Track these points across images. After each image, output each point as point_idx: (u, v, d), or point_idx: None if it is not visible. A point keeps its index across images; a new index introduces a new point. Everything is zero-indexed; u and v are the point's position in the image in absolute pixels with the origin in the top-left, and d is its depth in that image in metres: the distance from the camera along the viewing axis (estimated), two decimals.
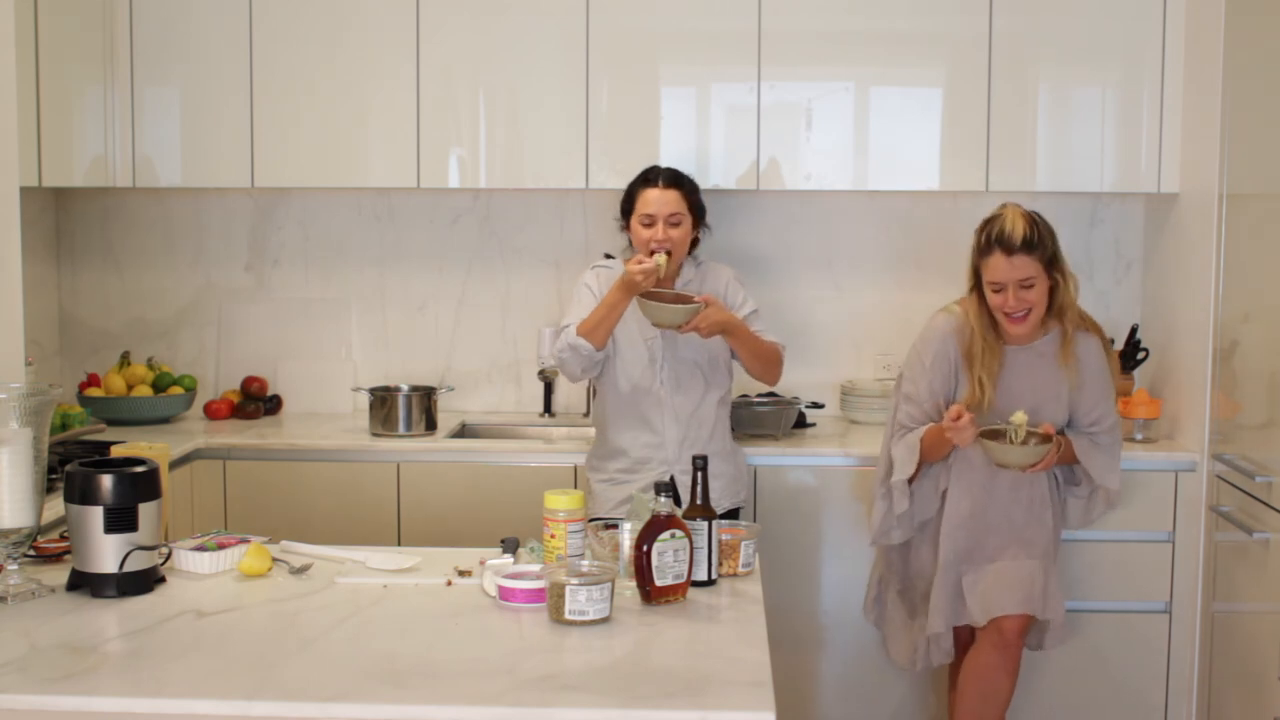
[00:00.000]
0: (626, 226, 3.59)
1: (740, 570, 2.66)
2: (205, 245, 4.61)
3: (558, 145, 4.16)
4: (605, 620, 2.33)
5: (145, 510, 2.47)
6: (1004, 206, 3.36)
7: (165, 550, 2.59)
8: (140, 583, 2.48)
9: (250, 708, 1.99)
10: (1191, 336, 3.90)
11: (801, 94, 4.14)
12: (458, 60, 4.16)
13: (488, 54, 4.15)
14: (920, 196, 4.41)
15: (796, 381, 4.31)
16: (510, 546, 2.68)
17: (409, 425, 4.15)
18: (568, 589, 2.31)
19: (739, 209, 4.41)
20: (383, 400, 4.16)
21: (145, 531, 2.47)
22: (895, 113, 4.16)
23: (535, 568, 2.52)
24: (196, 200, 4.58)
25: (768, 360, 3.58)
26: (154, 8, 4.17)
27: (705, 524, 2.56)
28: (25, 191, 3.44)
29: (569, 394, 4.53)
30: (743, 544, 2.67)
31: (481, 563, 2.66)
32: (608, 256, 3.83)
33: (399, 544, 3.92)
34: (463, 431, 4.38)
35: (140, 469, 2.49)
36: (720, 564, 2.63)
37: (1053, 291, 3.34)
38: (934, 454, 3.40)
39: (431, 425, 4.20)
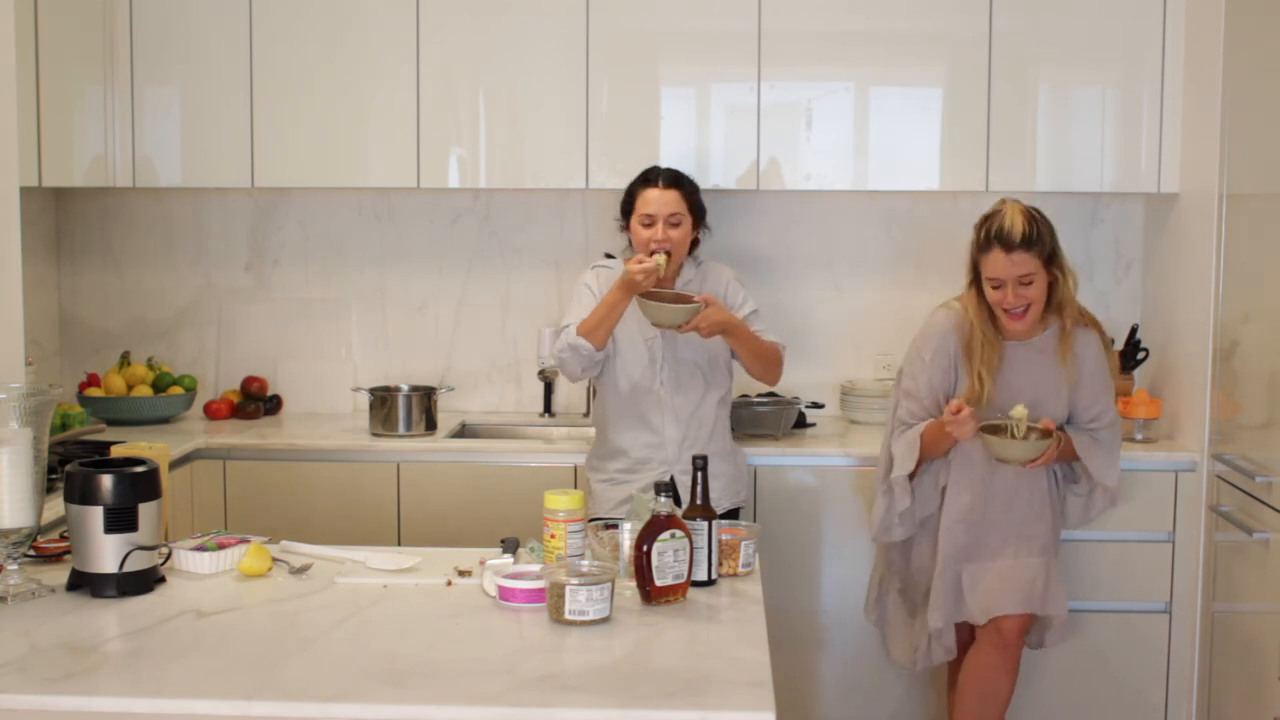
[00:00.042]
0: (626, 227, 3.59)
1: (740, 570, 2.66)
2: (205, 245, 4.61)
3: (558, 145, 4.16)
4: (605, 620, 2.33)
5: (145, 510, 2.47)
6: (1003, 202, 3.35)
7: (165, 550, 2.59)
8: (140, 583, 2.48)
9: (250, 708, 1.99)
10: (1191, 336, 3.90)
11: (801, 94, 4.14)
12: (458, 60, 4.16)
13: (488, 54, 4.15)
14: (920, 196, 4.41)
15: (796, 381, 4.31)
16: (510, 546, 2.68)
17: (409, 425, 4.15)
18: (568, 589, 2.31)
19: (739, 209, 4.41)
20: (383, 400, 4.16)
21: (145, 531, 2.47)
22: (895, 113, 4.16)
23: (535, 568, 2.52)
24: (196, 200, 4.58)
25: (768, 360, 3.58)
26: (154, 8, 4.17)
27: (705, 524, 2.56)
28: (25, 191, 3.44)
29: (569, 394, 4.53)
30: (743, 544, 2.67)
31: (481, 563, 2.66)
32: (608, 256, 3.83)
33: (399, 544, 3.92)
34: (463, 431, 4.38)
35: (140, 469, 2.49)
36: (720, 564, 2.63)
37: (1052, 287, 3.34)
38: (934, 450, 3.40)
39: (431, 425, 4.20)
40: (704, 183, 3.79)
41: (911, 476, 3.42)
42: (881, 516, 3.48)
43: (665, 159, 4.04)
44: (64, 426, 3.71)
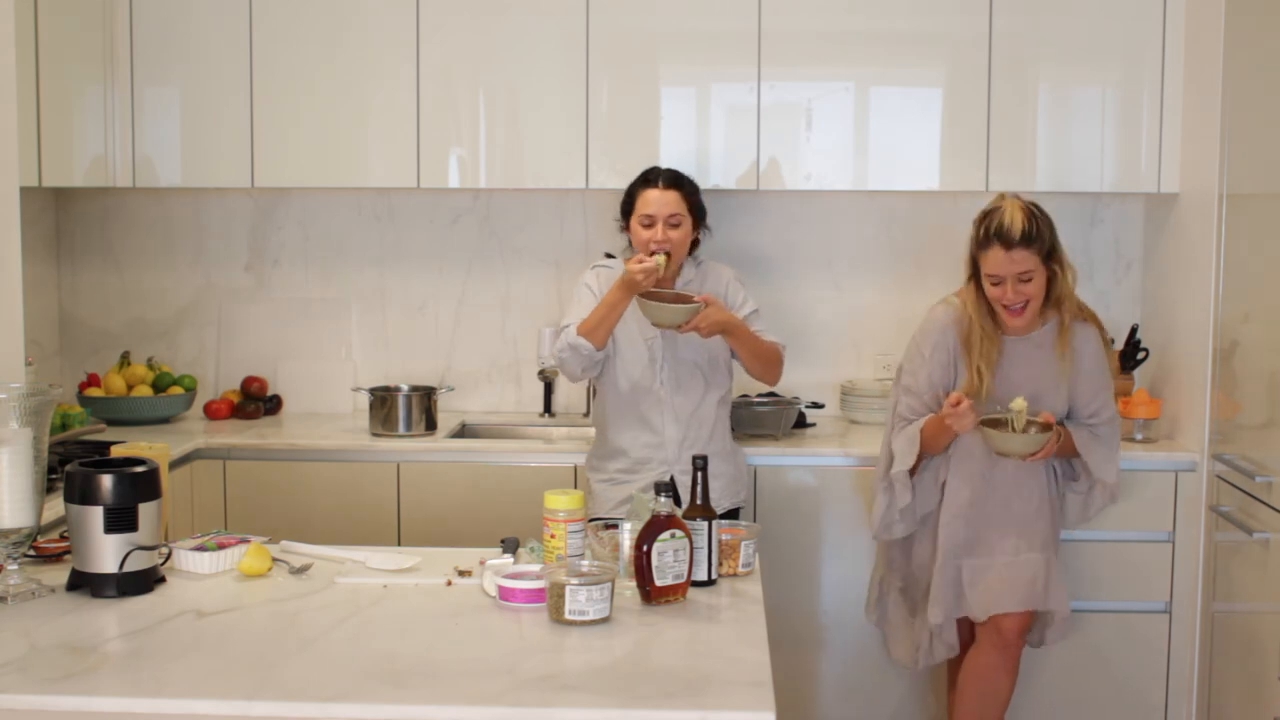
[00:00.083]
0: (626, 227, 3.59)
1: (740, 570, 2.66)
2: (205, 245, 4.61)
3: (558, 145, 4.16)
4: (605, 620, 2.33)
5: (145, 510, 2.47)
6: (1002, 198, 3.35)
7: (165, 550, 2.59)
8: (140, 583, 2.48)
9: (250, 708, 1.99)
10: (1191, 336, 3.90)
11: (801, 94, 4.14)
12: (458, 60, 4.16)
13: (488, 54, 4.15)
14: (920, 196, 4.41)
15: (796, 381, 4.31)
16: (510, 546, 2.68)
17: (409, 425, 4.15)
18: (568, 589, 2.31)
19: (739, 209, 4.41)
20: (383, 400, 4.16)
21: (145, 531, 2.47)
22: (895, 113, 4.16)
23: (535, 568, 2.52)
24: (196, 200, 4.58)
25: (768, 360, 3.58)
26: (154, 8, 4.17)
27: (705, 524, 2.56)
28: (25, 191, 3.43)
29: (569, 394, 4.53)
30: (743, 544, 2.67)
31: (481, 563, 2.66)
32: (608, 256, 3.83)
33: (399, 544, 3.92)
34: (463, 431, 4.38)
35: (140, 469, 2.49)
36: (720, 564, 2.63)
37: (1050, 282, 3.34)
38: (934, 445, 3.39)
39: (431, 425, 4.20)
40: (704, 183, 3.79)
41: (912, 473, 3.42)
42: (882, 514, 3.47)
43: (665, 159, 4.04)
44: (64, 426, 3.71)
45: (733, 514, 3.61)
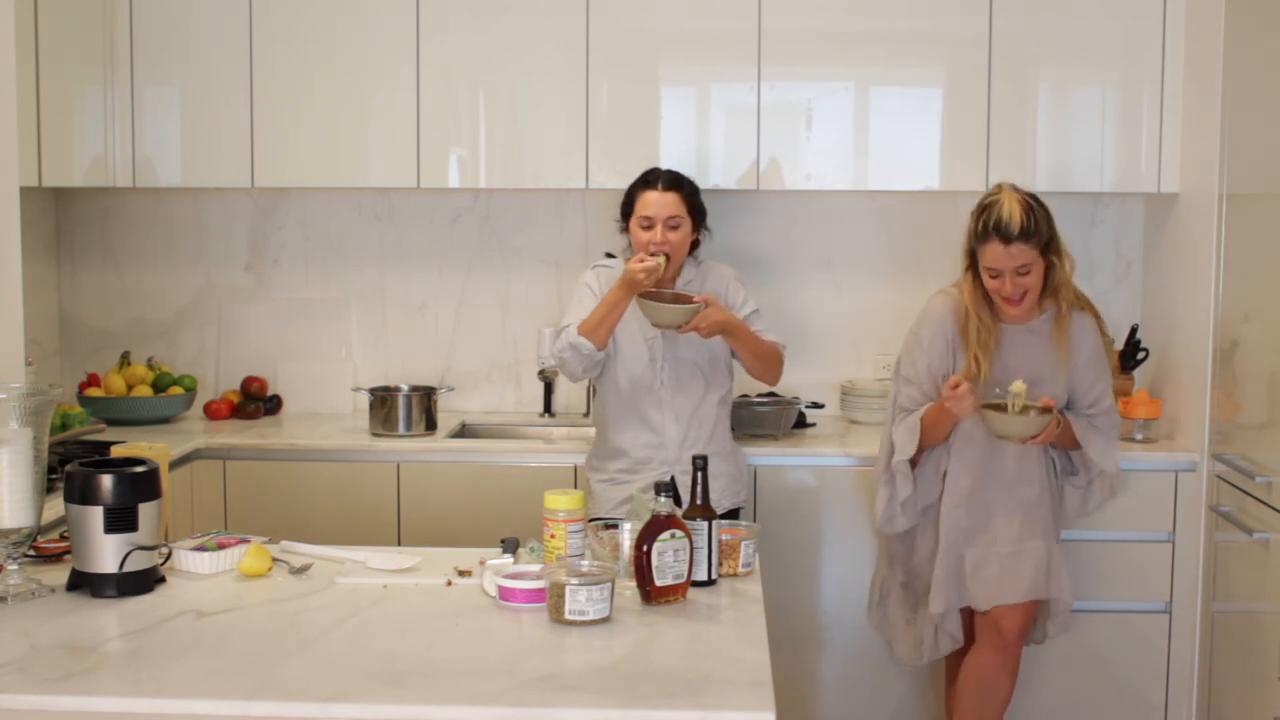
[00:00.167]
0: (626, 228, 3.59)
1: (740, 570, 2.66)
2: (205, 245, 4.61)
3: (558, 145, 4.16)
4: (605, 620, 2.33)
5: (145, 510, 2.47)
6: (999, 189, 3.35)
7: (165, 550, 2.59)
8: (140, 583, 2.48)
9: (250, 708, 1.99)
10: (1191, 336, 3.90)
11: (801, 94, 4.14)
12: (458, 60, 4.16)
13: (488, 54, 4.15)
14: (920, 196, 4.41)
15: (796, 381, 4.31)
16: (510, 546, 2.68)
17: (409, 425, 4.15)
18: (568, 589, 2.31)
19: (739, 209, 4.41)
20: (383, 400, 4.16)
21: (145, 531, 2.47)
22: (895, 113, 4.16)
23: (535, 568, 2.52)
24: (196, 200, 4.58)
25: (768, 360, 3.58)
26: (154, 8, 4.17)
27: (705, 524, 2.56)
28: (25, 191, 3.44)
29: (569, 394, 4.53)
30: (743, 544, 2.67)
31: (481, 563, 2.66)
32: (609, 256, 3.83)
33: (399, 544, 3.92)
34: (463, 431, 4.38)
35: (140, 469, 2.49)
36: (720, 564, 2.63)
37: (1048, 271, 3.34)
38: (935, 433, 3.39)
39: (431, 425, 4.20)
40: (704, 183, 3.79)
41: (913, 465, 3.42)
42: (884, 507, 3.47)
43: (665, 159, 4.04)
44: (64, 426, 3.71)
45: (733, 514, 3.61)
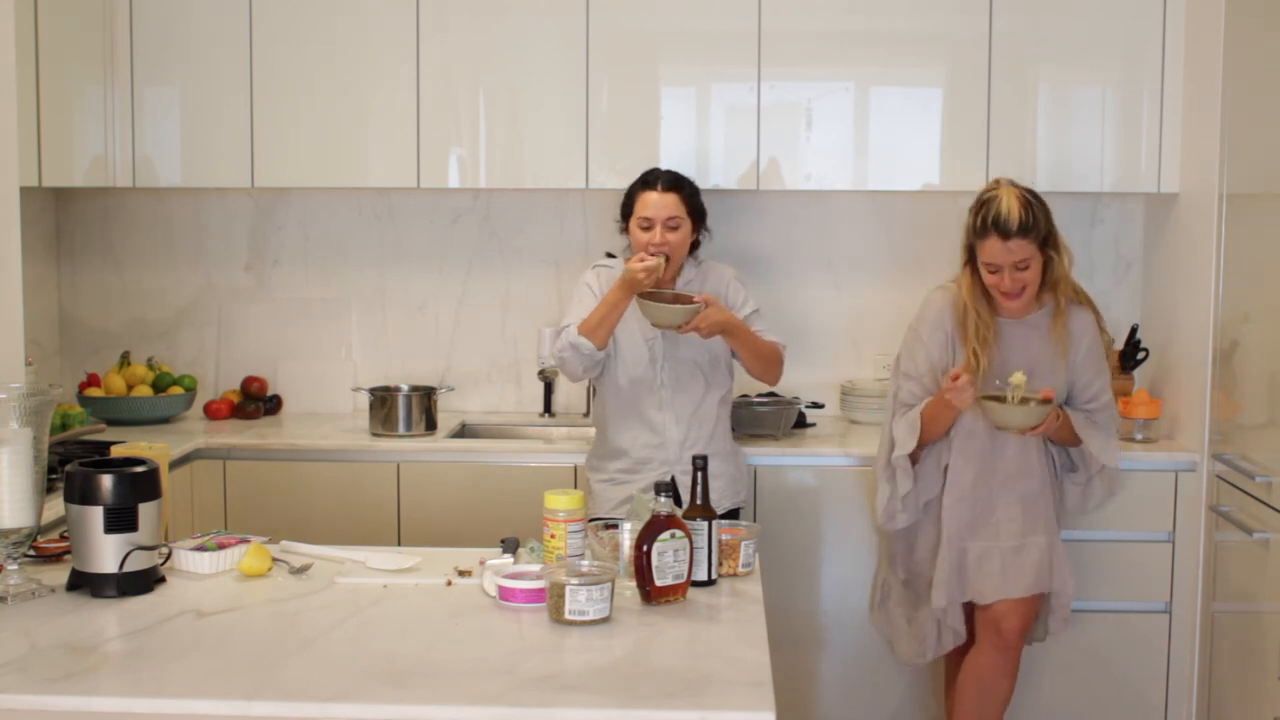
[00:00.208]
0: (626, 229, 3.59)
1: (740, 570, 2.66)
2: (205, 245, 4.61)
3: (558, 145, 4.16)
4: (605, 620, 2.33)
5: (145, 510, 2.47)
6: (997, 184, 3.35)
7: (165, 550, 2.59)
8: (140, 583, 2.48)
9: (250, 708, 1.99)
10: (1191, 336, 3.90)
11: (801, 94, 4.14)
12: (458, 60, 4.16)
13: (488, 54, 4.15)
14: (920, 196, 4.41)
15: (796, 381, 4.31)
16: (510, 546, 2.68)
17: (409, 425, 4.15)
18: (568, 589, 2.31)
19: (739, 209, 4.41)
20: (383, 400, 4.16)
21: (145, 531, 2.47)
22: (895, 113, 4.16)
23: (535, 568, 2.52)
24: (196, 200, 4.58)
25: (768, 360, 3.58)
26: (154, 8, 4.17)
27: (705, 524, 2.56)
28: (25, 191, 3.43)
29: (569, 394, 4.53)
30: (743, 544, 2.67)
31: (481, 563, 2.66)
32: (609, 256, 3.83)
33: (399, 544, 3.92)
34: (463, 431, 4.38)
35: (140, 469, 2.49)
36: (720, 564, 2.63)
37: (1046, 265, 3.35)
38: (935, 427, 3.39)
39: (431, 425, 4.20)
40: (704, 183, 3.79)
41: (914, 461, 3.42)
42: (885, 503, 3.47)
43: (665, 159, 4.04)
44: (64, 426, 3.71)
45: (733, 514, 3.61)
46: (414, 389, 4.22)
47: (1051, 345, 3.39)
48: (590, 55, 4.12)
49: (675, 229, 3.50)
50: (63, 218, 4.60)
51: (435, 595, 2.52)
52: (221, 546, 2.66)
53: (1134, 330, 4.24)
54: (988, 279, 3.35)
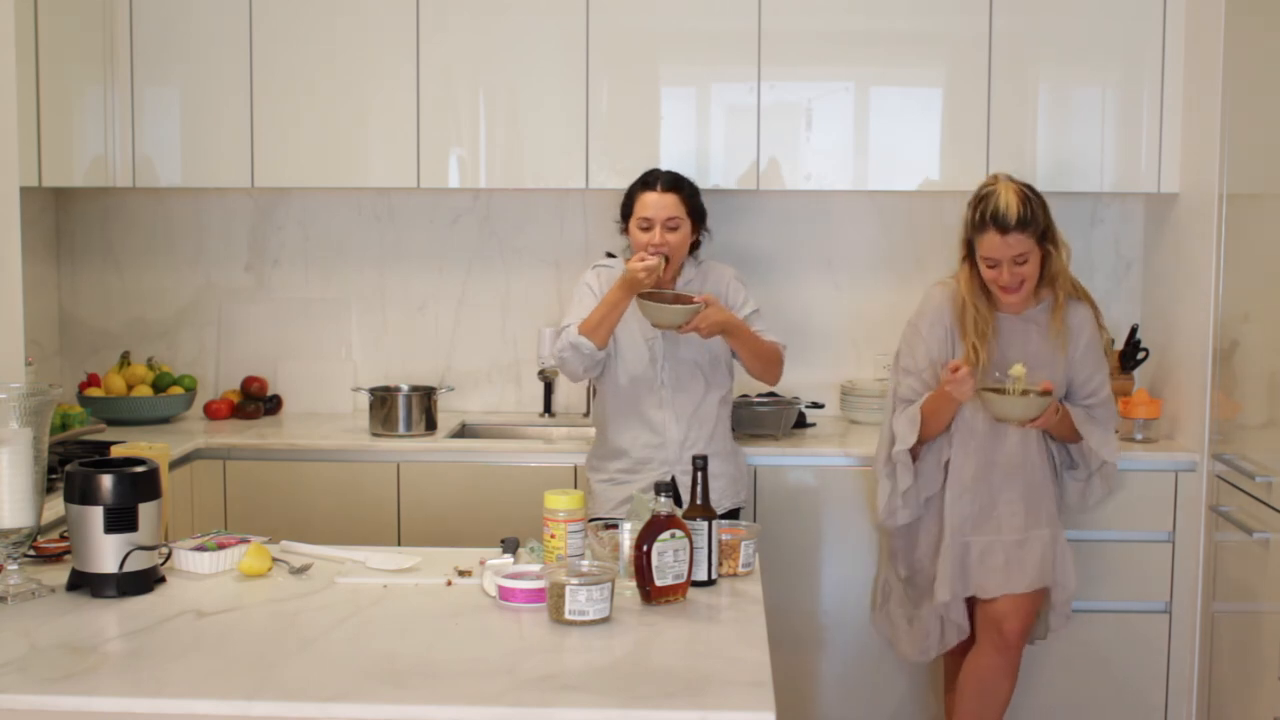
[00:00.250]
0: (626, 229, 3.59)
1: (740, 570, 2.66)
2: (205, 245, 4.61)
3: (558, 145, 4.16)
4: (605, 620, 2.33)
5: (145, 510, 2.47)
6: (995, 180, 3.36)
7: (165, 550, 2.59)
8: (140, 583, 2.48)
9: (250, 708, 1.99)
10: (1191, 336, 3.90)
11: (801, 94, 4.14)
12: (458, 60, 4.16)
13: (488, 54, 4.15)
14: (920, 196, 4.41)
15: (796, 381, 4.31)
16: (510, 546, 2.68)
17: (409, 425, 4.15)
18: (568, 589, 2.31)
19: (739, 209, 4.41)
20: (383, 400, 4.16)
21: (145, 531, 2.47)
22: (895, 112, 4.16)
23: (535, 568, 2.52)
24: (196, 200, 4.58)
25: (768, 360, 3.58)
26: (154, 8, 4.17)
27: (705, 524, 2.56)
28: (25, 191, 3.43)
29: (569, 394, 4.53)
30: (743, 544, 2.67)
31: (481, 563, 2.66)
32: (609, 255, 3.83)
33: (399, 544, 3.92)
34: (463, 431, 4.38)
35: (140, 469, 2.49)
36: (720, 564, 2.63)
37: (1045, 260, 3.35)
38: (936, 422, 3.39)
39: (431, 425, 4.20)
40: (704, 183, 3.79)
41: (914, 457, 3.42)
42: (885, 500, 3.47)
43: (665, 159, 4.04)
44: (64, 426, 3.71)
45: (733, 514, 3.61)
46: (414, 389, 4.22)
47: (1050, 340, 3.40)
48: (590, 55, 4.12)
49: (675, 229, 3.50)
50: (63, 218, 4.60)
51: (435, 595, 2.52)
52: (221, 546, 2.66)
53: (1134, 330, 4.24)
54: (986, 274, 3.35)
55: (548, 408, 4.50)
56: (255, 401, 4.46)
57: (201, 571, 2.62)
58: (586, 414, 4.46)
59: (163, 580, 2.55)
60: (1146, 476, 3.86)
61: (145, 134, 4.20)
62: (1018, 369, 3.26)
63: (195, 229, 4.60)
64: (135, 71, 4.18)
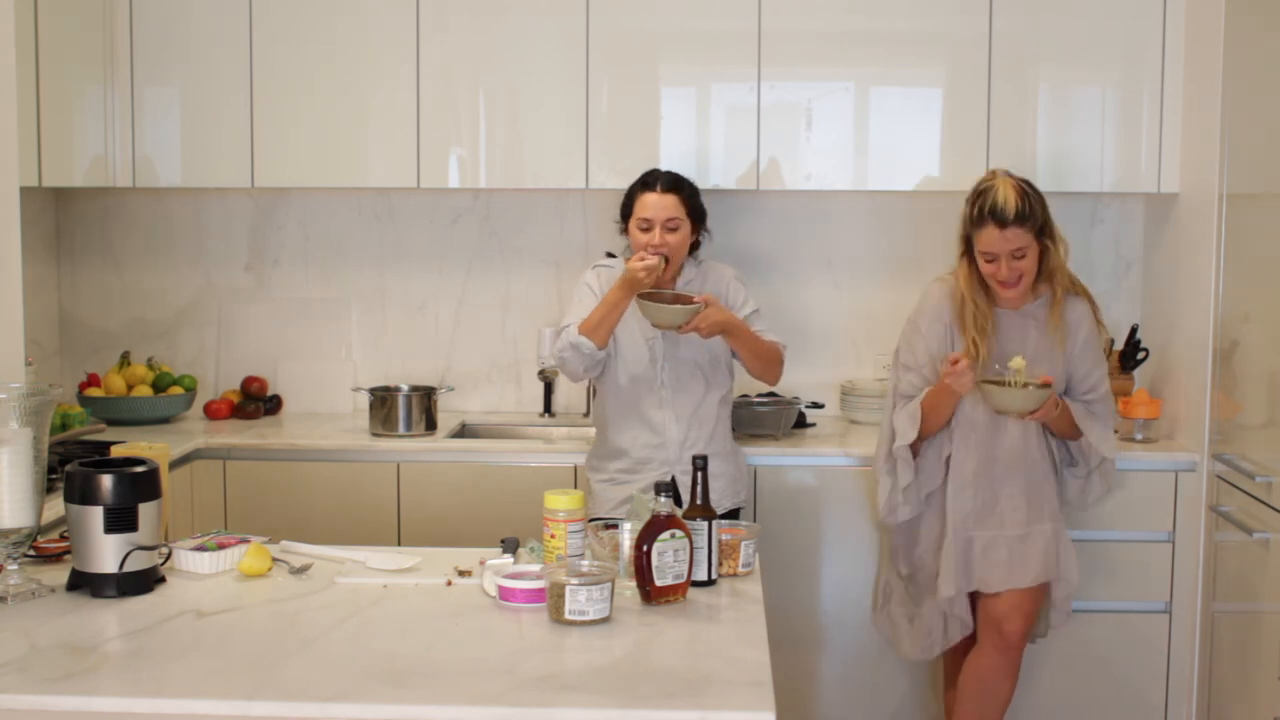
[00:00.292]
0: (626, 229, 3.59)
1: (740, 570, 2.66)
2: (205, 245, 4.61)
3: (558, 145, 4.16)
4: (605, 620, 2.33)
5: (145, 510, 2.47)
6: (993, 175, 3.37)
7: (165, 550, 2.59)
8: (140, 583, 2.48)
9: (250, 708, 1.99)
10: (1191, 336, 3.90)
11: (801, 94, 4.14)
12: (458, 60, 4.16)
13: (488, 54, 4.15)
14: (920, 196, 4.40)
15: (796, 381, 4.31)
16: (510, 546, 2.68)
17: (409, 425, 4.15)
18: (568, 589, 2.31)
19: (739, 209, 4.41)
20: (383, 400, 4.16)
21: (145, 531, 2.47)
22: (895, 112, 4.16)
23: (535, 568, 2.52)
24: (196, 200, 4.58)
25: (768, 360, 3.58)
26: (154, 8, 4.17)
27: (705, 524, 2.56)
28: (25, 191, 3.44)
29: (569, 394, 4.53)
30: (743, 544, 2.67)
31: (481, 563, 2.66)
32: (609, 255, 3.84)
33: (399, 544, 3.92)
34: (463, 431, 4.38)
35: (140, 469, 2.49)
36: (720, 564, 2.63)
37: (1043, 255, 3.36)
38: (936, 417, 3.40)
39: (431, 425, 4.20)
40: (704, 183, 3.79)
41: (914, 453, 3.42)
42: (886, 496, 3.47)
43: (665, 159, 4.04)
44: (64, 426, 3.71)
45: (733, 514, 3.61)
46: (414, 389, 4.22)
47: (1049, 335, 3.40)
48: (590, 55, 4.12)
49: (674, 230, 3.50)
50: (63, 218, 4.60)
51: (435, 595, 2.52)
52: (221, 546, 2.66)
53: (1134, 330, 4.24)
54: (985, 268, 3.36)
55: (548, 408, 4.50)
56: (255, 401, 4.46)
57: (201, 571, 2.62)
58: (586, 414, 4.46)
59: (163, 580, 2.55)
60: (1146, 476, 3.86)
61: (145, 134, 4.20)
62: (1018, 361, 3.27)
63: (195, 229, 4.61)
64: (135, 71, 4.18)
